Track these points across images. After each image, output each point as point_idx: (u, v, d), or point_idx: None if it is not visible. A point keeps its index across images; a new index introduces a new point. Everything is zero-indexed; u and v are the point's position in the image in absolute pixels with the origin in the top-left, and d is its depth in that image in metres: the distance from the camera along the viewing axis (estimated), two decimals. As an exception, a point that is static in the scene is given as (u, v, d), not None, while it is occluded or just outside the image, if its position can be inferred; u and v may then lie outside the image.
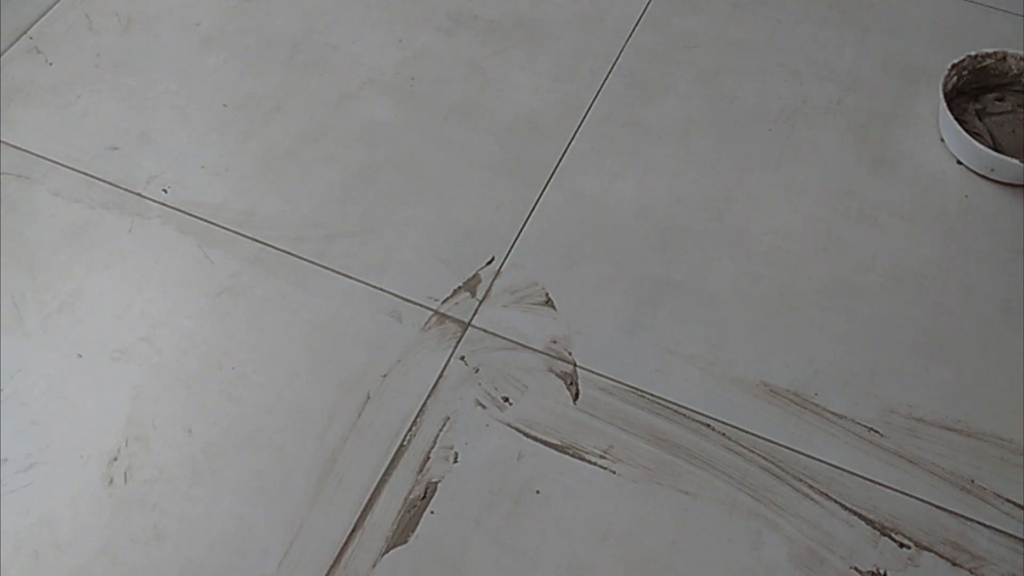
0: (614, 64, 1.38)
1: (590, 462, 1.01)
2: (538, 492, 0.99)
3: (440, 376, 1.08)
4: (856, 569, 0.94)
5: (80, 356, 1.10)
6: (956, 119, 1.22)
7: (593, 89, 1.35)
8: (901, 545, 0.96)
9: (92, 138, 1.31)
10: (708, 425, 1.04)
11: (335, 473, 1.01)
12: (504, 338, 1.10)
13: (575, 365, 1.08)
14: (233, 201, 1.24)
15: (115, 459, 1.02)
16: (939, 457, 1.01)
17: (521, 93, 1.35)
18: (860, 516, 0.97)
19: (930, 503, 0.98)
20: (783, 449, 1.02)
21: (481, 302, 1.14)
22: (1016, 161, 1.18)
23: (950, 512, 0.98)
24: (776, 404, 1.05)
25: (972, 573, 0.94)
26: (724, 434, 1.03)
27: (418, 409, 1.05)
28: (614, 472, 1.00)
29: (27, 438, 1.04)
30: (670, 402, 1.05)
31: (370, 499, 0.99)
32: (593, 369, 1.08)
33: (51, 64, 1.40)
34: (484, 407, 1.05)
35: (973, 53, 1.28)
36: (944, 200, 1.22)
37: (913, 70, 1.36)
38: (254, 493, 1.00)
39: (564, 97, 1.34)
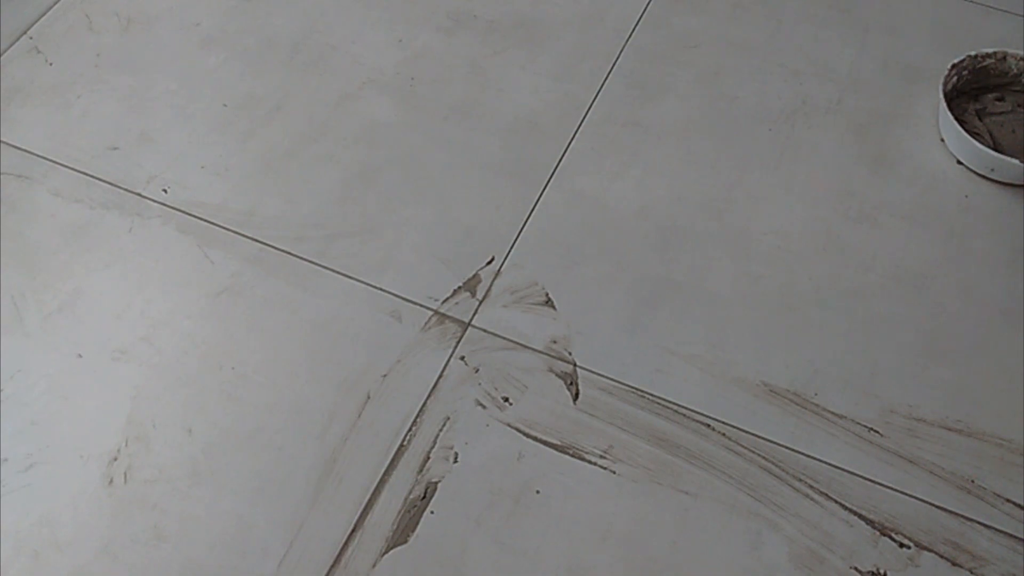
0: (614, 64, 1.38)
1: (590, 462, 1.01)
2: (538, 492, 0.99)
3: (440, 376, 1.08)
4: (856, 569, 0.94)
5: (80, 356, 1.10)
6: (956, 119, 1.22)
7: (593, 89, 1.35)
8: (901, 545, 0.96)
9: (92, 138, 1.31)
10: (708, 425, 1.04)
11: (335, 473, 1.01)
12: (504, 338, 1.10)
13: (575, 365, 1.08)
14: (233, 201, 1.24)
15: (115, 459, 1.02)
16: (939, 457, 1.01)
17: (521, 93, 1.35)
18: (860, 516, 0.97)
19: (930, 503, 0.98)
20: (783, 449, 1.02)
21: (481, 302, 1.14)
22: (1016, 161, 1.18)
23: (950, 512, 0.98)
24: (776, 404, 1.05)
25: (972, 573, 0.94)
26: (724, 434, 1.03)
27: (418, 409, 1.05)
28: (614, 472, 1.00)
29: (27, 438, 1.04)
30: (670, 402, 1.05)
31: (370, 499, 0.99)
32: (593, 369, 1.08)
33: (51, 64, 1.40)
34: (484, 407, 1.05)
35: (973, 53, 1.28)
36: (944, 200, 1.22)
37: (913, 70, 1.36)
38: (254, 493, 1.00)
39: (564, 97, 1.34)
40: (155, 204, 1.24)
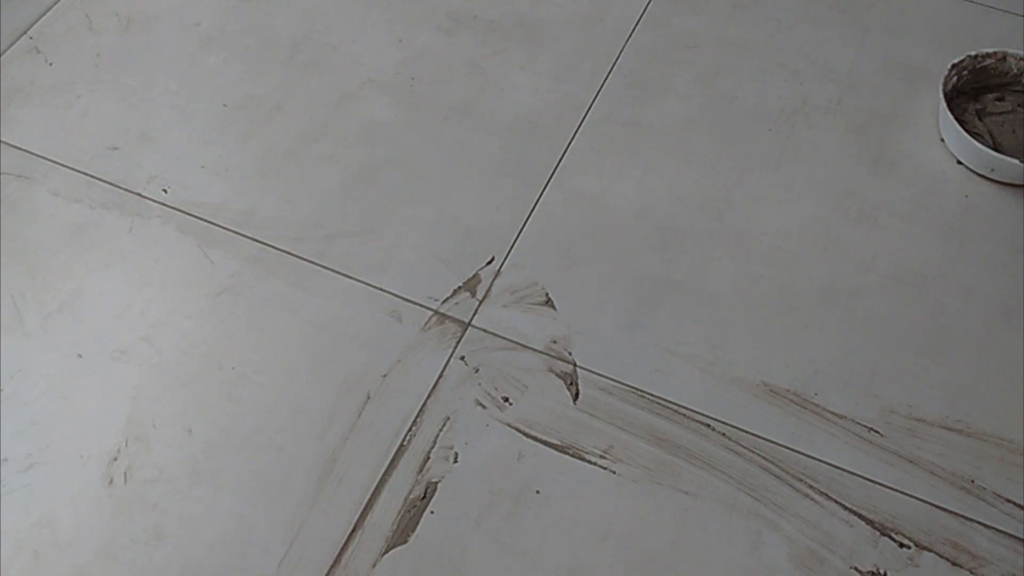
0: (614, 64, 1.38)
1: (590, 462, 1.01)
2: (538, 492, 0.99)
3: (440, 376, 1.08)
4: (856, 569, 0.94)
5: (80, 356, 1.10)
6: (956, 119, 1.22)
7: (593, 89, 1.35)
8: (901, 545, 0.96)
9: (92, 138, 1.31)
10: (708, 425, 1.04)
11: (335, 473, 1.01)
12: (504, 338, 1.10)
13: (575, 365, 1.08)
14: (233, 201, 1.24)
15: (115, 459, 1.02)
16: (939, 457, 1.01)
17: (521, 93, 1.35)
18: (860, 516, 0.97)
19: (930, 503, 0.98)
20: (783, 449, 1.02)
21: (481, 302, 1.14)
22: (1016, 161, 1.18)
23: (950, 512, 0.98)
24: (776, 404, 1.05)
25: (972, 573, 0.94)
26: (724, 434, 1.03)
27: (418, 409, 1.05)
28: (614, 472, 1.00)
29: (27, 438, 1.04)
30: (670, 402, 1.05)
31: (370, 499, 0.99)
32: (593, 369, 1.08)
33: (51, 64, 1.40)
34: (484, 407, 1.05)
35: (973, 53, 1.28)
36: (944, 200, 1.22)
37: (913, 70, 1.36)
38: (254, 493, 1.00)
39: (564, 97, 1.34)
40: (155, 204, 1.24)
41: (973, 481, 1.00)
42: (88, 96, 1.36)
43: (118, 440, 1.04)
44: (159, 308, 1.14)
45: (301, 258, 1.18)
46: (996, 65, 1.29)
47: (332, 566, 0.95)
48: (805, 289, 1.14)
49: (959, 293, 1.13)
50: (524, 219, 1.21)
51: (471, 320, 1.12)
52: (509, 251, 1.18)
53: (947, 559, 0.95)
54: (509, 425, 1.04)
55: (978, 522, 0.97)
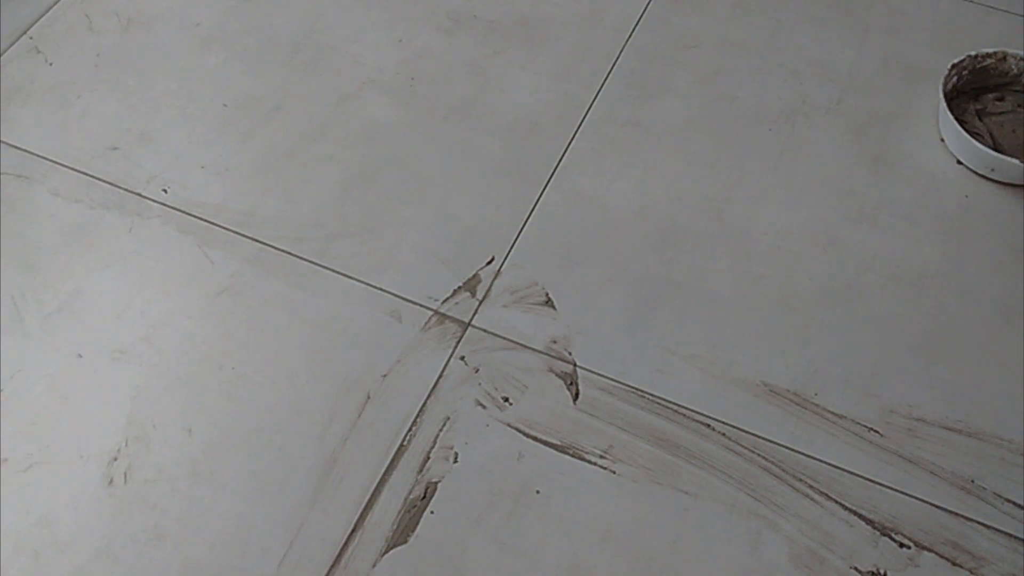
0: (614, 64, 1.38)
1: (590, 462, 1.01)
2: (538, 492, 0.99)
3: (440, 376, 1.08)
4: (856, 569, 0.94)
5: (80, 356, 1.10)
6: (956, 119, 1.22)
7: (593, 89, 1.35)
8: (901, 545, 0.96)
9: (92, 138, 1.31)
10: (708, 425, 1.04)
11: (335, 473, 1.01)
12: (504, 338, 1.10)
13: (575, 365, 1.08)
14: (233, 201, 1.24)
15: (115, 459, 1.02)
16: (939, 457, 1.01)
17: (521, 93, 1.35)
18: (860, 516, 0.97)
19: (930, 503, 0.98)
20: (783, 449, 1.02)
21: (481, 302, 1.14)
22: (1016, 161, 1.18)
23: (950, 512, 0.98)
24: (776, 404, 1.05)
25: (972, 573, 0.94)
26: (724, 434, 1.03)
27: (418, 409, 1.05)
28: (614, 472, 1.00)
29: (27, 438, 1.04)
30: (670, 402, 1.05)
31: (370, 499, 0.99)
32: (593, 369, 1.08)
33: (51, 64, 1.40)
34: (484, 407, 1.05)
35: (973, 53, 1.28)
36: (944, 200, 1.22)
37: (913, 70, 1.36)
38: (254, 493, 1.00)
39: (564, 97, 1.34)
40: (155, 204, 1.24)
41: (973, 481, 1.00)
42: (88, 96, 1.36)
43: (118, 440, 1.04)
44: (159, 308, 1.14)
45: (301, 258, 1.18)
46: (996, 65, 1.29)
47: (332, 566, 0.95)
48: (805, 289, 1.14)
49: (959, 293, 1.13)
50: (524, 219, 1.21)
51: (471, 320, 1.12)
52: (509, 251, 1.18)
53: (947, 559, 0.95)
54: (509, 425, 1.04)
55: (978, 522, 0.97)
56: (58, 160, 1.28)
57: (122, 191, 1.25)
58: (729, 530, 0.97)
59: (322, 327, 1.12)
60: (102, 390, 1.07)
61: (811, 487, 0.99)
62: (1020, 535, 0.96)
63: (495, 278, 1.16)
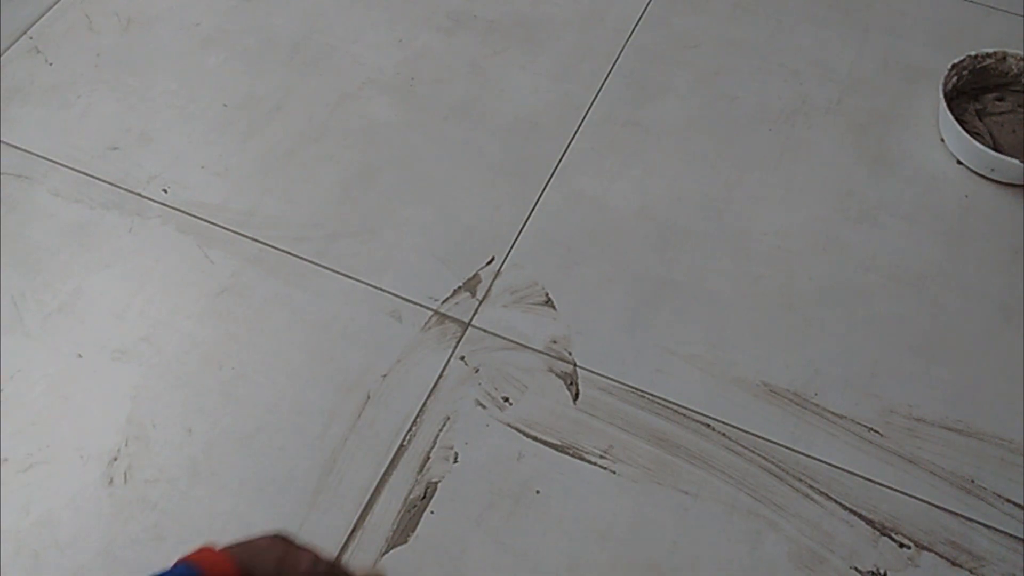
0: (614, 64, 1.38)
1: (590, 462, 1.01)
2: (538, 492, 0.99)
3: (440, 376, 1.08)
4: (856, 569, 0.94)
5: (80, 356, 1.10)
6: (956, 119, 1.22)
7: (593, 89, 1.35)
8: (901, 545, 0.96)
9: (92, 138, 1.31)
10: (708, 425, 1.04)
11: (335, 473, 1.01)
12: (504, 338, 1.10)
13: (575, 365, 1.08)
14: (233, 201, 1.24)
15: (115, 459, 1.02)
16: (939, 457, 1.01)
17: (521, 93, 1.34)
18: (860, 516, 0.97)
19: (930, 503, 0.98)
20: (783, 449, 1.02)
21: (481, 302, 1.14)
22: (1016, 161, 1.18)
23: (950, 512, 0.98)
24: (776, 404, 1.05)
25: (972, 573, 0.94)
26: (724, 434, 1.03)
27: (418, 409, 1.05)
28: (614, 472, 1.00)
29: (27, 438, 1.04)
30: (670, 402, 1.05)
31: (370, 499, 0.99)
32: (593, 369, 1.08)
33: (51, 64, 1.40)
34: (484, 407, 1.05)
35: (973, 53, 1.28)
36: (944, 200, 1.22)
37: (913, 70, 1.36)
38: (254, 493, 1.00)
39: (564, 97, 1.34)
40: (155, 204, 1.24)
41: (973, 481, 1.00)
42: (88, 96, 1.36)
43: (118, 440, 1.04)
44: (159, 308, 1.14)
45: (301, 258, 1.18)
46: (996, 65, 1.29)
47: (332, 566, 0.95)
48: (805, 289, 1.14)
49: (959, 293, 1.13)
50: (524, 219, 1.21)
51: (471, 320, 1.12)
52: (509, 251, 1.18)
53: (947, 559, 0.95)
54: (509, 425, 1.04)
55: (978, 522, 0.97)
56: (58, 160, 1.28)
57: (122, 191, 1.25)
58: (729, 530, 0.97)
59: (322, 327, 1.12)
60: (102, 390, 1.07)
61: (811, 487, 0.99)
62: (1020, 535, 0.96)
63: (495, 278, 1.16)
